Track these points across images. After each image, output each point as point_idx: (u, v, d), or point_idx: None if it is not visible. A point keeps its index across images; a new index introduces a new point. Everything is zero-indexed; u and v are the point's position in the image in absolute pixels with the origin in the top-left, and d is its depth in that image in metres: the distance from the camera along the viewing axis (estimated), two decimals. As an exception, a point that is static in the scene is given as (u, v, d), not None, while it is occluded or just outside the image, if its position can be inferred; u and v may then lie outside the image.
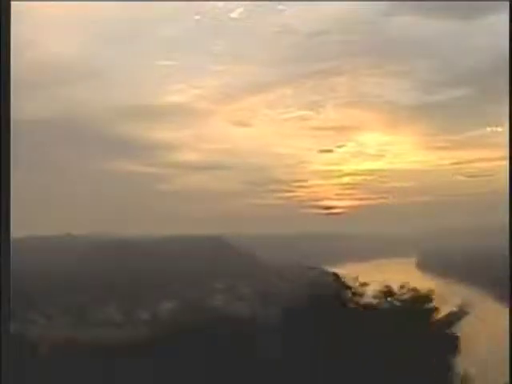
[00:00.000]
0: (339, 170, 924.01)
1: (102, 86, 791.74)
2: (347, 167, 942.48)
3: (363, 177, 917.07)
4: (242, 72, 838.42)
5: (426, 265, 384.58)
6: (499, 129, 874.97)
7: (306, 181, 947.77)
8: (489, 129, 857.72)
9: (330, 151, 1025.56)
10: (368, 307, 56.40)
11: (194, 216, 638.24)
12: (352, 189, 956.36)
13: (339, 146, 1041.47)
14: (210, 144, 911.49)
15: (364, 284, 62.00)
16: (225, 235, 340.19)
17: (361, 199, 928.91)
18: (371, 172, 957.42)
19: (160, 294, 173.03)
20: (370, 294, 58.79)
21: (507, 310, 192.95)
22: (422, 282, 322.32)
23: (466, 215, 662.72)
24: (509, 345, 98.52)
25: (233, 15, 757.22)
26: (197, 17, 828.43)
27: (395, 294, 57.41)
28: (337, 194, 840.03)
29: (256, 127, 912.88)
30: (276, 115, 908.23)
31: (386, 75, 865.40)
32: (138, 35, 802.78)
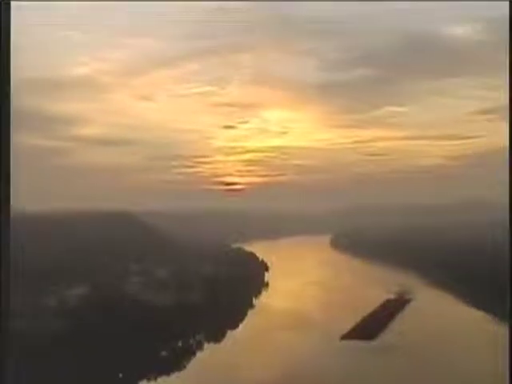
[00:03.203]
0: (242, 147, 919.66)
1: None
2: (250, 144, 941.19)
3: (265, 154, 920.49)
4: (147, 46, 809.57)
5: (338, 243, 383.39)
6: (400, 109, 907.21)
7: (208, 157, 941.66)
8: (391, 109, 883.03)
9: (233, 127, 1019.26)
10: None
11: (95, 191, 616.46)
12: (254, 165, 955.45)
13: (243, 123, 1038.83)
14: (113, 118, 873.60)
15: None
16: (127, 211, 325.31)
17: (262, 176, 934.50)
18: (273, 149, 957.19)
19: (67, 278, 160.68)
20: None
21: (422, 285, 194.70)
22: (339, 261, 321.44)
23: (365, 194, 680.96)
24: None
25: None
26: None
27: None
28: (238, 171, 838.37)
29: (160, 102, 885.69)
30: (180, 90, 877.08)
31: (292, 53, 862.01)
32: (42, 6, 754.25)
